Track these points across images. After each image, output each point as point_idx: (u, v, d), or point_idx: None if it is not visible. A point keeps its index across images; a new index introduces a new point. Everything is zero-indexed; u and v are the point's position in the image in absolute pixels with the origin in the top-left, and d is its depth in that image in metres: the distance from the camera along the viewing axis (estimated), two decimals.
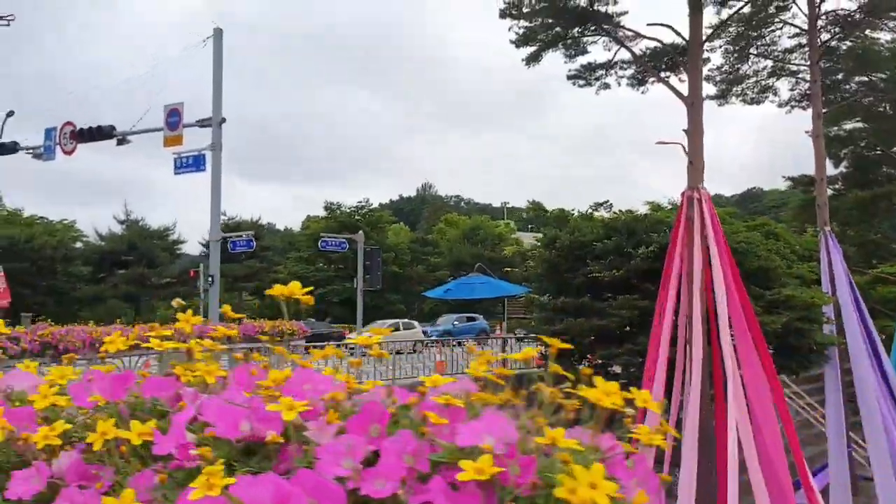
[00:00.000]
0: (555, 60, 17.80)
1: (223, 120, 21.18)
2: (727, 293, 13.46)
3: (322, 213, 51.38)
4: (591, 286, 17.06)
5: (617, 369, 16.94)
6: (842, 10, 19.24)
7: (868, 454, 17.56)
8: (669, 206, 20.23)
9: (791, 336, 16.71)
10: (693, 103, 14.59)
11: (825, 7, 19.39)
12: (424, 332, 30.06)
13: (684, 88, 14.91)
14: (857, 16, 19.30)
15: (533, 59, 16.99)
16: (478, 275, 20.51)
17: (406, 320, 31.32)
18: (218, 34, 21.42)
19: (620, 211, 18.62)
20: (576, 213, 19.08)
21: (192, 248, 55.02)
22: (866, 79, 22.47)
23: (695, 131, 14.70)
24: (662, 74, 16.55)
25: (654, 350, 13.80)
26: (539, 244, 19.15)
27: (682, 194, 14.74)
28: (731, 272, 13.97)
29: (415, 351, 20.94)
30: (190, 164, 21.30)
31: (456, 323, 33.52)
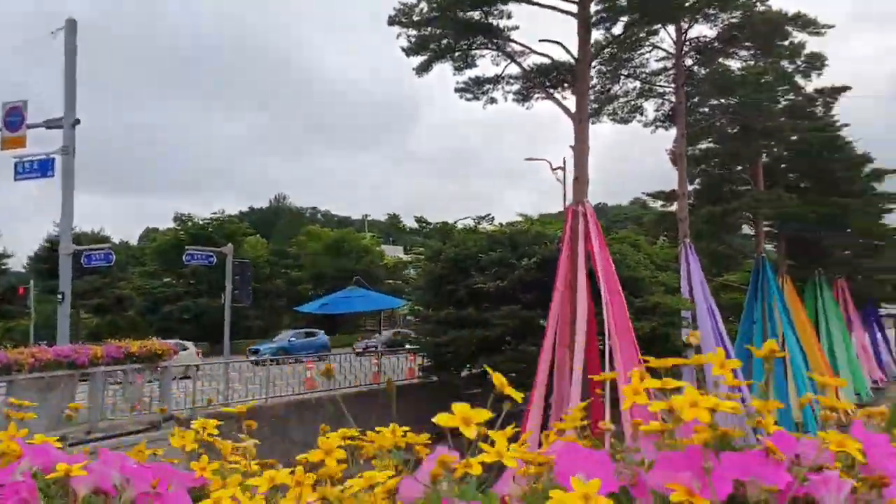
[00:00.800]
0: (412, 77, 18.28)
1: (77, 121, 19.97)
2: (611, 301, 14.65)
3: (168, 224, 49.09)
4: (474, 297, 17.82)
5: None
6: (704, 37, 21.44)
7: None
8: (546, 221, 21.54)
9: (657, 340, 18.32)
10: (581, 120, 15.72)
11: (690, 34, 21.54)
12: (255, 351, 28.19)
13: (569, 105, 16.07)
14: (716, 44, 21.59)
15: (423, 69, 17.53)
16: (355, 288, 20.72)
17: (177, 341, 26.93)
18: (71, 26, 20.21)
19: (503, 224, 19.59)
20: (459, 226, 19.82)
21: (17, 262, 50.50)
22: (718, 102, 25.09)
23: (581, 147, 15.86)
24: (549, 91, 17.67)
25: (544, 354, 14.73)
26: (421, 256, 19.71)
27: (568, 209, 15.86)
28: (613, 281, 15.20)
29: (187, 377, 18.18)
30: (34, 168, 19.83)
31: (293, 339, 32.13)
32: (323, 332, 34.50)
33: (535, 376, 14.75)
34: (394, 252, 55.80)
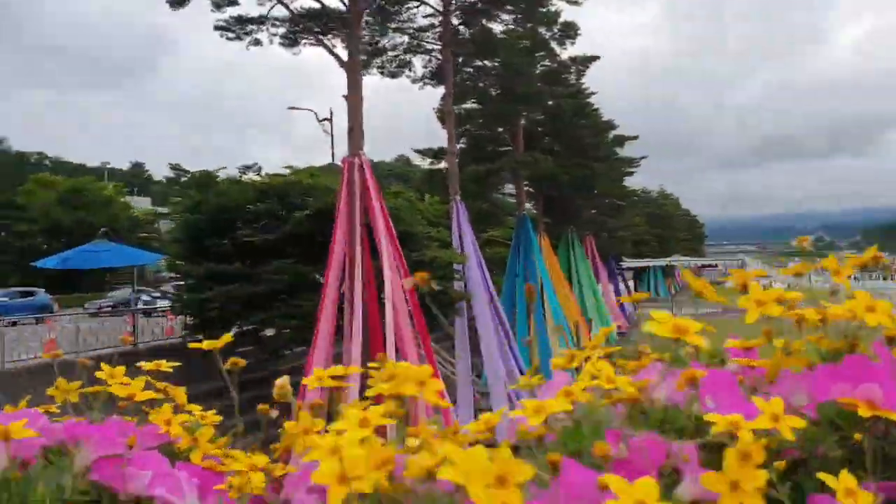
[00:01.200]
0: (164, 11, 16.58)
1: None
2: (389, 256, 14.60)
3: None
4: (241, 251, 16.87)
5: (269, 332, 17.14)
6: None
7: (489, 388, 20.68)
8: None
9: (433, 293, 18.76)
10: (354, 69, 15.27)
11: None
12: None
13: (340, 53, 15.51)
14: (480, 5, 22.15)
15: (178, 2, 15.89)
16: (103, 241, 18.56)
17: None
18: None
19: (272, 175, 18.66)
20: (223, 176, 18.45)
21: None
22: (481, 64, 25.96)
23: (355, 98, 15.43)
24: (319, 37, 16.93)
25: (324, 310, 14.37)
26: (180, 208, 18.20)
27: (344, 160, 15.43)
28: (390, 236, 15.16)
29: None
30: None
31: (4, 299, 28.53)
32: (43, 290, 30.84)
33: (315, 333, 14.34)
34: (141, 204, 51.51)
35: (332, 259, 14.82)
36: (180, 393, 1.23)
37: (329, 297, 14.72)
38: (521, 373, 22.02)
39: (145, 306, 23.89)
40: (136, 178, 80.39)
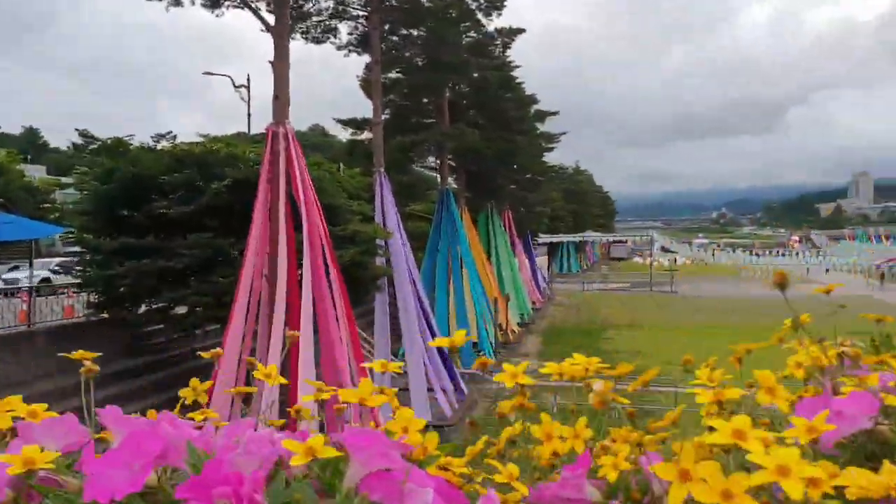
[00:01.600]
0: None
1: None
2: (312, 229, 14.35)
3: None
4: (155, 224, 16.21)
5: (182, 310, 16.60)
6: None
7: (407, 366, 20.69)
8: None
9: (353, 269, 18.58)
10: (282, 34, 14.81)
11: None
12: None
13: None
14: None
15: None
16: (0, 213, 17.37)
17: None
18: None
19: (188, 144, 17.92)
20: (137, 144, 17.47)
21: None
22: (407, 32, 25.67)
23: (281, 65, 14.98)
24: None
25: (242, 286, 14.02)
26: (86, 177, 17.25)
27: (268, 129, 14.99)
28: (317, 209, 14.89)
29: None
30: None
31: None
32: None
33: (232, 310, 13.97)
34: (35, 173, 48.59)
35: (252, 233, 14.44)
36: None
37: (247, 272, 14.35)
38: (440, 349, 22.21)
39: (42, 283, 22.54)
40: (30, 145, 75.80)
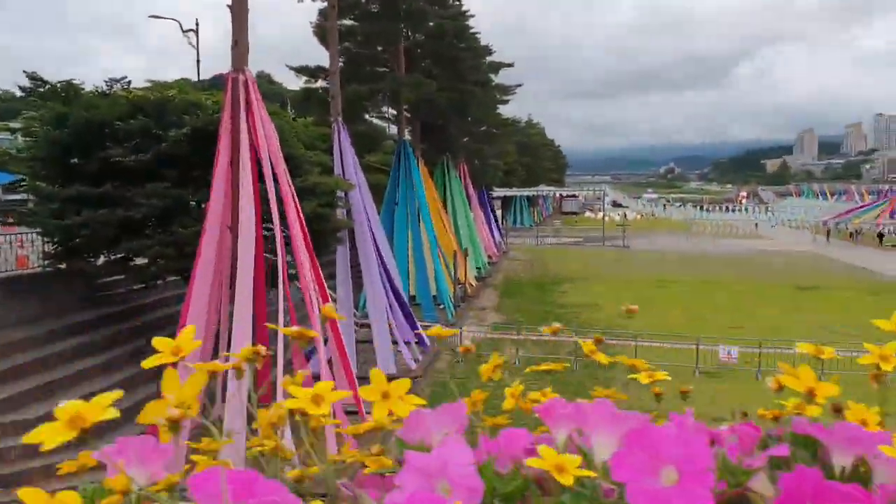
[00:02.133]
0: None
1: None
2: (282, 181, 14.40)
3: None
4: (110, 172, 15.99)
5: (142, 261, 16.54)
6: None
7: (369, 318, 21.00)
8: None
9: (315, 221, 18.67)
10: None
11: None
12: None
13: None
14: None
15: None
16: None
17: None
18: None
19: (142, 89, 17.57)
20: (89, 88, 17.05)
21: None
22: None
23: (240, 9, 14.76)
24: None
25: (206, 236, 14.05)
26: (34, 122, 16.81)
27: (227, 76, 14.84)
28: (278, 158, 14.90)
29: None
30: None
31: None
32: None
33: (196, 262, 14.00)
34: None
35: (214, 184, 14.40)
36: None
37: (211, 224, 14.36)
38: (401, 303, 22.55)
39: None
40: None
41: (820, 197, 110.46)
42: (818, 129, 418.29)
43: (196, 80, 33.57)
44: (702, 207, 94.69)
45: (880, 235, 62.42)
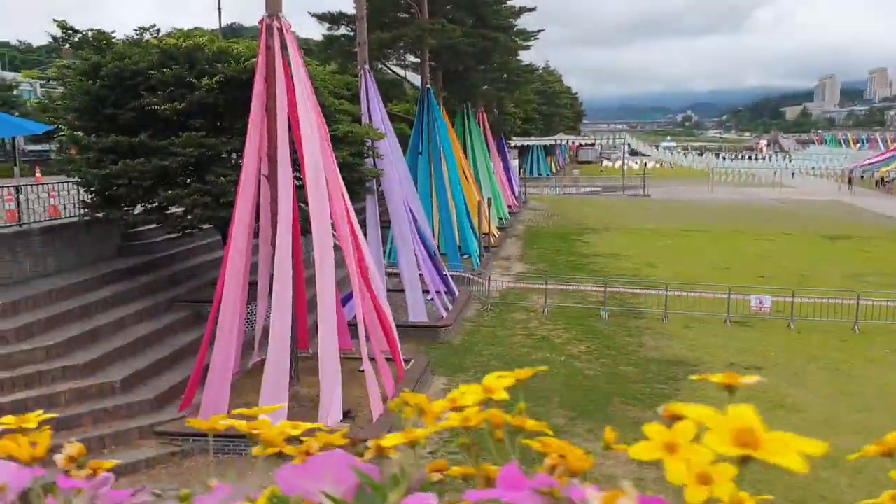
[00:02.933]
0: None
1: None
2: (317, 130, 14.54)
3: None
4: (146, 122, 16.17)
5: (178, 210, 16.82)
6: None
7: (400, 269, 21.30)
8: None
9: (344, 170, 18.85)
10: None
11: None
12: None
13: None
14: None
15: None
16: None
17: None
18: None
19: (174, 37, 17.59)
20: (120, 36, 17.08)
21: None
22: None
23: None
24: None
25: (240, 188, 14.28)
26: (69, 71, 16.92)
27: (261, 22, 14.86)
28: (316, 108, 15.02)
29: None
30: None
31: None
32: None
33: (234, 212, 14.26)
34: None
35: (250, 132, 14.56)
36: None
37: (248, 173, 14.56)
38: (430, 254, 22.81)
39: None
40: None
41: (843, 145, 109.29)
42: (841, 74, 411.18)
43: (214, 28, 33.42)
44: (723, 156, 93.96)
45: None
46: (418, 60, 29.84)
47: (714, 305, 21.29)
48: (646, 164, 74.99)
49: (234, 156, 17.05)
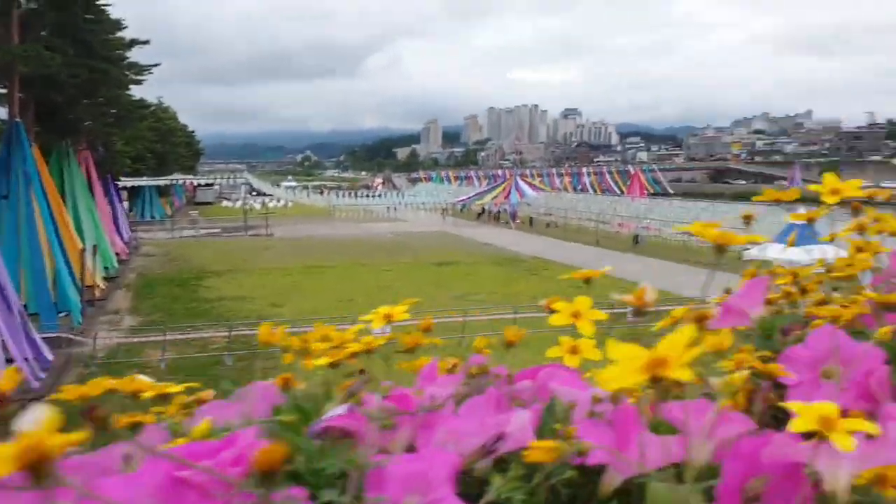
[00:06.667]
0: None
1: None
2: None
3: None
4: None
5: None
6: None
7: None
8: None
9: None
10: None
11: None
12: None
13: None
14: None
15: None
16: None
17: None
18: None
19: None
20: None
21: None
22: None
23: None
24: None
25: None
26: None
27: None
28: None
29: None
30: None
31: None
32: None
33: None
34: None
35: None
36: None
37: None
38: (9, 307, 20.36)
39: None
40: None
41: (446, 182, 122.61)
42: (442, 119, 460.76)
43: None
44: (343, 194, 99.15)
45: (497, 214, 71.85)
46: (4, 91, 26.85)
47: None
48: (267, 204, 75.94)
49: None
